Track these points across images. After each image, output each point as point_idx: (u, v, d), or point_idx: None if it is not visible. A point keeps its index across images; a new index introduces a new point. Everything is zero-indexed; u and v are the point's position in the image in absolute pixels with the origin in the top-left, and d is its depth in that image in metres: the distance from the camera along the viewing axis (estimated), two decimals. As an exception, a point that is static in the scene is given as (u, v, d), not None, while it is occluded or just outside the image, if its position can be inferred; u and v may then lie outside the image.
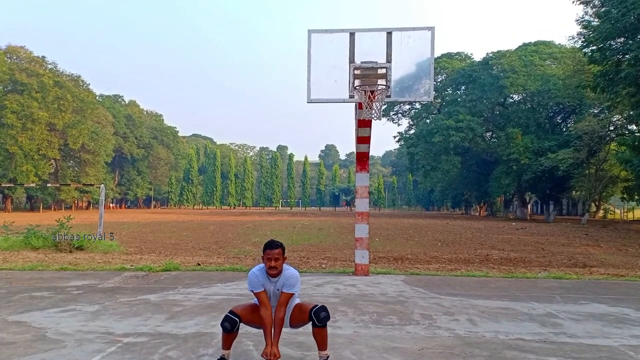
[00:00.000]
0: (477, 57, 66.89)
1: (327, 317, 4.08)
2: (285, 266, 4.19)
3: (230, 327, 4.06)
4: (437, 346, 4.86)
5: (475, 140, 50.65)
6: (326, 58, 8.86)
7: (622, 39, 27.43)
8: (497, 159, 50.68)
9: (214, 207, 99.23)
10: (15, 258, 11.36)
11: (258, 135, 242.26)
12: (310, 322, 4.12)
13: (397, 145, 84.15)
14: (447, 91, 56.45)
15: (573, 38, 35.77)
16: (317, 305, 4.14)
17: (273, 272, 4.09)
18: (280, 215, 51.82)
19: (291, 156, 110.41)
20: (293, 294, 4.14)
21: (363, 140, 9.48)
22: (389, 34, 8.73)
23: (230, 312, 4.13)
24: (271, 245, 4.12)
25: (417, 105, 59.22)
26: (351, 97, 8.71)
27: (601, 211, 59.20)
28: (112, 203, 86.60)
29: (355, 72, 8.45)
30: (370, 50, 8.72)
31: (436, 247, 16.27)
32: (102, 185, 15.71)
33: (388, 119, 61.45)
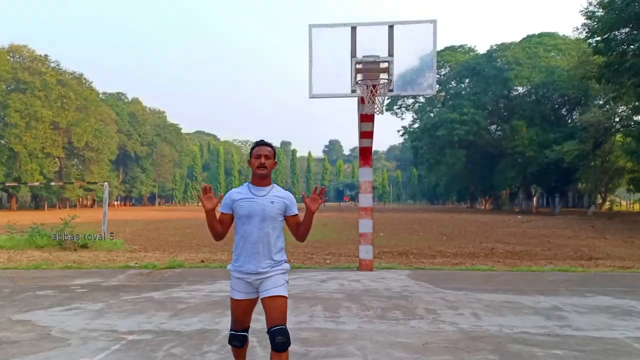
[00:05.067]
0: (481, 49, 66.54)
1: (286, 344, 3.21)
2: (275, 185, 3.49)
3: (241, 344, 3.51)
4: (442, 340, 4.84)
5: (480, 134, 50.35)
6: (328, 53, 8.81)
7: (626, 30, 27.25)
8: (502, 152, 50.49)
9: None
10: (19, 257, 11.40)
11: (261, 131, 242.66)
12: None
13: (401, 140, 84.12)
14: (450, 84, 56.18)
15: (577, 29, 35.41)
16: (275, 326, 3.24)
17: (262, 171, 3.35)
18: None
19: (294, 152, 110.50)
20: (297, 214, 3.48)
21: (366, 135, 9.44)
22: (391, 27, 8.67)
23: (235, 330, 3.48)
24: (261, 142, 3.43)
25: (421, 99, 59.00)
26: (353, 91, 8.68)
27: (607, 203, 58.97)
28: (117, 201, 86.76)
29: (357, 66, 8.42)
30: (372, 45, 8.66)
31: (441, 241, 16.23)
32: (106, 183, 15.70)
33: (392, 113, 61.21)
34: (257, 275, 3.31)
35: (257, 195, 3.36)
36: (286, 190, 3.52)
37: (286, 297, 3.33)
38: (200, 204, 3.53)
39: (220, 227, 3.41)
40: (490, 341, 4.80)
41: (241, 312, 3.41)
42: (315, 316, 5.78)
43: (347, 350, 4.56)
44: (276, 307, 3.28)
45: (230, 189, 3.55)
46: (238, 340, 3.45)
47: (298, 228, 3.44)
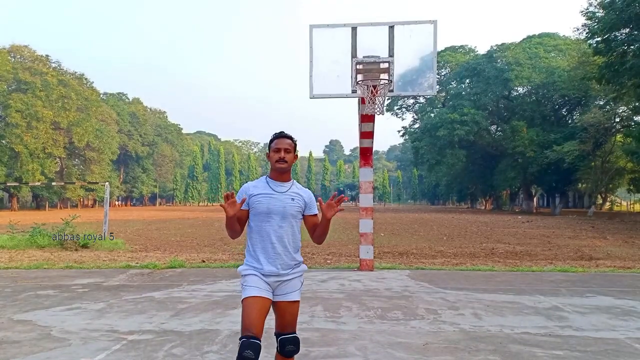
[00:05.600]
0: (481, 50, 66.51)
1: (295, 352, 3.13)
2: (295, 182, 3.29)
3: (254, 356, 2.89)
4: (442, 341, 4.84)
5: (480, 134, 50.34)
6: (328, 53, 8.82)
7: (627, 30, 27.25)
8: (502, 152, 50.49)
9: (219, 204, 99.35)
10: (21, 257, 11.41)
11: (262, 131, 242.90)
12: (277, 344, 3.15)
13: (401, 140, 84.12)
14: (451, 85, 56.15)
15: (578, 29, 35.45)
16: (287, 333, 3.13)
17: (282, 165, 3.12)
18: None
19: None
20: (317, 214, 3.29)
21: (366, 135, 9.44)
22: (391, 28, 8.68)
23: (247, 335, 2.93)
24: (281, 134, 3.20)
25: (421, 100, 58.99)
26: (354, 92, 8.69)
27: (607, 203, 58.98)
28: (118, 201, 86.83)
29: (358, 67, 8.43)
30: (373, 45, 8.68)
31: (441, 242, 16.23)
32: (107, 183, 15.69)
33: (392, 114, 61.24)
34: (277, 277, 3.13)
35: (276, 191, 3.15)
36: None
37: (299, 301, 3.23)
38: (218, 204, 3.35)
39: (239, 225, 3.18)
40: (491, 341, 4.81)
41: (255, 312, 2.99)
42: (316, 316, 5.78)
43: (348, 350, 4.56)
44: (290, 313, 3.16)
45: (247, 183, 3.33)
46: (252, 348, 2.86)
47: (315, 229, 3.27)
